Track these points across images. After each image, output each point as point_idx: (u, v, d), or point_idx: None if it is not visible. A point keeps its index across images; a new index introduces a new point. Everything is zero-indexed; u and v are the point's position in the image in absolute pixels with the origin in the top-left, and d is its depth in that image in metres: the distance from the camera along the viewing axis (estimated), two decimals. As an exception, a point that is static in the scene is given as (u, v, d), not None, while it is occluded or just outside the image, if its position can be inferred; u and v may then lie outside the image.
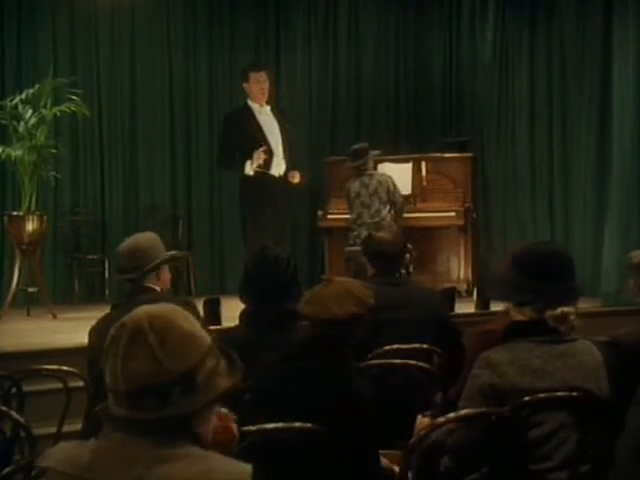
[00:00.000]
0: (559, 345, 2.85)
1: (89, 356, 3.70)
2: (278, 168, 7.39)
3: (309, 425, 2.58)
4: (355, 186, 7.75)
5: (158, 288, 3.87)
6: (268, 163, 7.32)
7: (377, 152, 7.92)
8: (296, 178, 7.50)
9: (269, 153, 7.29)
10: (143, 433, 1.71)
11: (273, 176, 7.33)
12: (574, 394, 2.78)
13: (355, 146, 7.90)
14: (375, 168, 8.04)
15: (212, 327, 5.26)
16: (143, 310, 1.79)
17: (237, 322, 3.72)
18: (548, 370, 2.79)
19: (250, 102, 7.44)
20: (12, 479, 2.93)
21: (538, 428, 2.77)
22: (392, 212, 7.72)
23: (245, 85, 7.48)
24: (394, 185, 7.76)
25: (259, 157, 7.19)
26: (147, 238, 3.94)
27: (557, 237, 9.22)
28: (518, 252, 2.97)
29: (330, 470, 2.64)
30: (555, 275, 2.87)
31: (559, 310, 2.84)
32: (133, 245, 3.88)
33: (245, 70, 7.67)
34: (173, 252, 4.16)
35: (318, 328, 2.90)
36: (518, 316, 2.90)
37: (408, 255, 4.90)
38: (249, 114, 7.39)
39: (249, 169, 7.21)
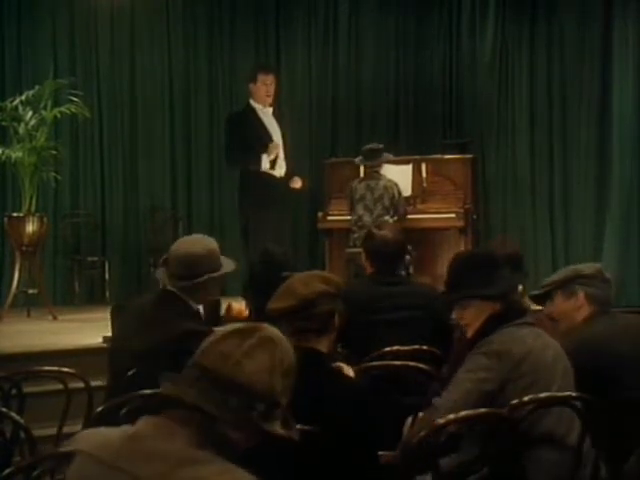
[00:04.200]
0: (532, 327, 3.06)
1: (113, 346, 3.71)
2: (279, 169, 7.40)
3: (308, 428, 2.57)
4: (360, 188, 7.72)
5: (193, 304, 3.65)
6: (272, 162, 7.33)
7: (390, 156, 7.92)
8: (298, 183, 7.51)
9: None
10: (188, 423, 1.73)
11: (274, 176, 7.33)
12: (573, 394, 2.85)
13: (370, 145, 7.87)
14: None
15: (212, 329, 5.28)
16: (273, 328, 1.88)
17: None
18: (538, 346, 2.96)
19: (253, 102, 7.44)
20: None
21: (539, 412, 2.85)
22: (395, 218, 7.70)
23: (251, 85, 7.45)
24: (399, 193, 7.76)
25: (276, 147, 7.20)
26: (204, 245, 3.70)
27: (557, 238, 9.24)
28: (462, 259, 3.29)
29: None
30: (500, 265, 3.16)
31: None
32: (189, 249, 3.65)
33: (253, 71, 7.63)
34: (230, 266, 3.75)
35: (293, 318, 2.77)
36: (489, 309, 3.05)
37: (408, 256, 4.87)
38: (253, 114, 7.39)
39: (266, 162, 7.20)
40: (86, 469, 1.74)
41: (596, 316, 3.41)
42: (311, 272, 3.01)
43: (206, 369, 1.77)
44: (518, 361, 2.89)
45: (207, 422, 1.74)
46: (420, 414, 3.39)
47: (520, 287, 3.59)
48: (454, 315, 3.17)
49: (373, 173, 7.79)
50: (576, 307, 3.46)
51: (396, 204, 7.70)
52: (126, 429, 1.78)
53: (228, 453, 1.75)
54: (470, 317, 3.08)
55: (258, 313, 3.58)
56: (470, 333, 3.08)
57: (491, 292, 3.04)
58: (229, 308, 4.26)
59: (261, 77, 7.42)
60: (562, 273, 3.57)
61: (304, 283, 2.82)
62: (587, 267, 3.52)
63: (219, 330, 1.87)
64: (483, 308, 3.05)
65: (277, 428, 1.80)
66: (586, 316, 3.43)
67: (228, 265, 3.73)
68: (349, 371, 3.11)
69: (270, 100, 7.45)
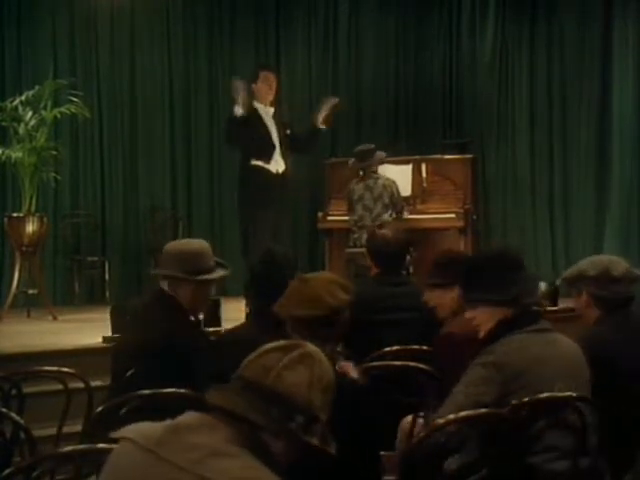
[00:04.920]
0: (545, 334, 2.97)
1: (113, 347, 3.73)
2: (276, 165, 7.41)
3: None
4: (359, 188, 7.72)
5: (185, 302, 3.63)
6: (269, 157, 7.34)
7: (384, 154, 7.89)
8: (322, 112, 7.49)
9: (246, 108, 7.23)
10: (233, 426, 1.80)
11: (271, 171, 7.34)
12: (574, 395, 2.82)
13: (361, 147, 7.85)
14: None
15: (212, 329, 5.27)
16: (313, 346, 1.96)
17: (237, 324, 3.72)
18: (545, 356, 2.89)
19: (256, 103, 7.48)
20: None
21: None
22: (393, 216, 7.70)
23: (253, 86, 7.50)
24: (397, 191, 7.76)
25: (240, 90, 7.17)
26: (191, 245, 3.79)
27: (557, 238, 9.24)
28: (479, 258, 3.22)
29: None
30: (519, 266, 3.05)
31: (543, 287, 3.00)
32: (174, 247, 3.75)
33: (254, 71, 7.70)
34: (214, 274, 3.71)
35: (317, 325, 2.81)
36: (500, 313, 2.98)
37: (408, 256, 4.86)
38: (254, 114, 7.43)
39: (238, 110, 7.18)
40: (126, 453, 1.84)
41: (606, 317, 3.36)
42: (327, 276, 3.00)
43: (249, 381, 1.85)
44: (519, 372, 2.83)
45: (252, 431, 1.82)
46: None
47: (544, 286, 3.47)
48: (467, 315, 3.13)
49: (370, 173, 7.78)
50: (585, 306, 3.44)
51: (395, 202, 7.71)
52: (170, 422, 1.87)
53: (267, 462, 1.81)
54: (481, 319, 3.05)
55: (258, 313, 3.58)
56: (481, 334, 3.04)
57: (500, 297, 2.97)
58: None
59: (262, 74, 7.48)
60: (570, 271, 3.53)
61: (330, 293, 2.85)
62: (593, 266, 3.44)
63: (263, 346, 1.94)
64: (493, 312, 3.00)
65: (314, 441, 1.86)
66: (596, 317, 3.41)
67: (217, 273, 3.72)
68: (353, 372, 3.11)
69: (271, 97, 7.49)
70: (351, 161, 7.93)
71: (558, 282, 3.68)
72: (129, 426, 1.90)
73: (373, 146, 7.83)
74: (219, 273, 3.73)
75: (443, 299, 3.79)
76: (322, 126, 7.54)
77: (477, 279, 3.04)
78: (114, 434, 1.90)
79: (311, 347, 1.95)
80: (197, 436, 1.80)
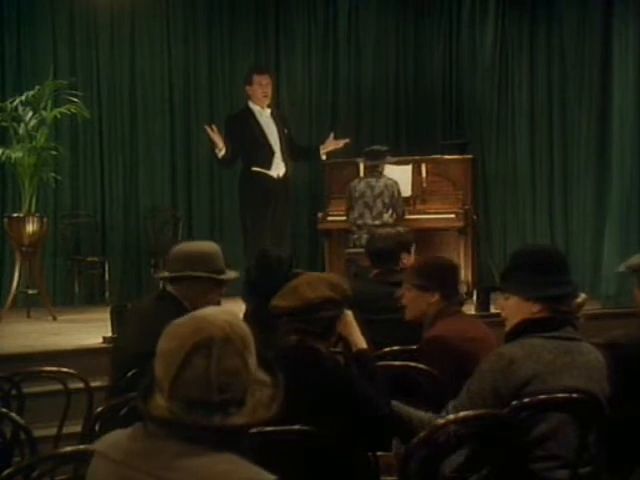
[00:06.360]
0: (567, 342, 2.88)
1: (115, 347, 3.73)
2: (277, 169, 7.43)
3: (308, 427, 2.57)
4: (360, 186, 7.74)
5: (188, 306, 3.56)
6: (269, 163, 7.35)
7: (393, 160, 7.94)
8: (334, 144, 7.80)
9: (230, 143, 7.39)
10: (175, 434, 1.78)
11: (272, 177, 7.36)
12: (574, 395, 2.79)
13: (374, 147, 7.89)
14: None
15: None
16: (222, 319, 1.83)
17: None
18: (557, 365, 2.81)
19: (251, 104, 7.49)
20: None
21: (540, 425, 2.78)
22: (394, 216, 7.71)
23: (248, 88, 7.52)
24: (399, 193, 7.78)
25: (214, 135, 7.35)
26: (204, 245, 3.74)
27: (557, 238, 9.24)
28: (525, 250, 3.09)
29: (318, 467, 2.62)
30: (562, 269, 2.95)
31: (581, 298, 3.04)
32: (185, 247, 3.71)
33: (249, 73, 7.71)
34: (224, 275, 3.65)
35: (294, 319, 2.80)
36: (527, 311, 2.91)
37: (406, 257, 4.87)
38: (250, 116, 7.44)
39: (219, 152, 7.39)
40: (99, 467, 1.84)
41: None
42: (321, 274, 3.01)
43: (194, 401, 1.77)
44: (528, 379, 2.77)
45: (205, 430, 1.78)
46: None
47: (583, 296, 3.34)
48: (498, 305, 3.08)
49: (374, 172, 7.80)
50: None
51: (395, 203, 7.72)
52: (132, 429, 1.85)
53: (235, 451, 1.79)
54: (509, 311, 2.99)
55: (255, 314, 3.59)
56: (507, 327, 3.00)
57: (533, 294, 2.89)
58: None
59: (256, 78, 7.49)
60: (636, 259, 3.44)
61: (311, 286, 2.83)
62: None
63: (166, 348, 1.83)
64: (524, 307, 2.92)
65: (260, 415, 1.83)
66: None
67: (232, 273, 3.70)
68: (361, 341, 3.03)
69: (268, 100, 7.50)
70: (362, 158, 7.97)
71: (622, 268, 3.59)
72: (102, 437, 1.91)
73: (386, 148, 7.88)
74: (234, 274, 3.73)
75: (418, 301, 3.78)
76: (324, 156, 7.87)
77: (518, 271, 2.96)
78: (89, 447, 1.91)
79: (213, 323, 1.83)
80: (160, 441, 1.78)
